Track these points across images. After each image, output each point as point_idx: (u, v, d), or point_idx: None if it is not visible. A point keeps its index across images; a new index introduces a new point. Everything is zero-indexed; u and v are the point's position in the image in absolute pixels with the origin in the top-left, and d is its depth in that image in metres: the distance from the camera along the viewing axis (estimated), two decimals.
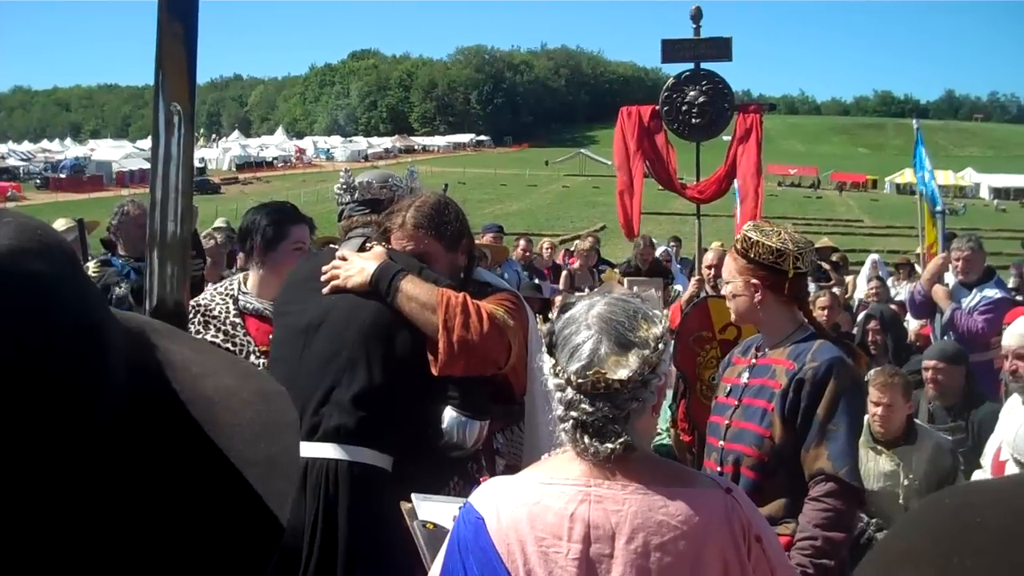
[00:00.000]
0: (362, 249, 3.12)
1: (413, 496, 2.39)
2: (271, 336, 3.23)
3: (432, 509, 2.35)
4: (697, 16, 7.57)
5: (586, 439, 1.83)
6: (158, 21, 2.04)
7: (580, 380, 1.82)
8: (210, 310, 3.58)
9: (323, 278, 2.98)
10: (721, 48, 7.65)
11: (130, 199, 6.17)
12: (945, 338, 6.53)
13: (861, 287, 11.79)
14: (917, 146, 9.01)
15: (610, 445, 1.81)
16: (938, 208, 7.35)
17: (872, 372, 4.89)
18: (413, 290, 2.82)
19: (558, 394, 1.87)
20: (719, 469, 3.08)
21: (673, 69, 7.86)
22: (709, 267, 6.85)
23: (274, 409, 0.86)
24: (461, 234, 3.16)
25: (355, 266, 2.94)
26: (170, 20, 2.05)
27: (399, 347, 2.84)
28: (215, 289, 3.76)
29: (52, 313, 0.69)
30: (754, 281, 3.09)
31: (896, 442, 4.62)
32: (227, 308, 3.59)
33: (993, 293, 6.83)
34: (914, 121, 9.86)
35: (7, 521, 0.67)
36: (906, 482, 4.53)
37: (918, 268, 12.34)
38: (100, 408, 0.73)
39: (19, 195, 56.71)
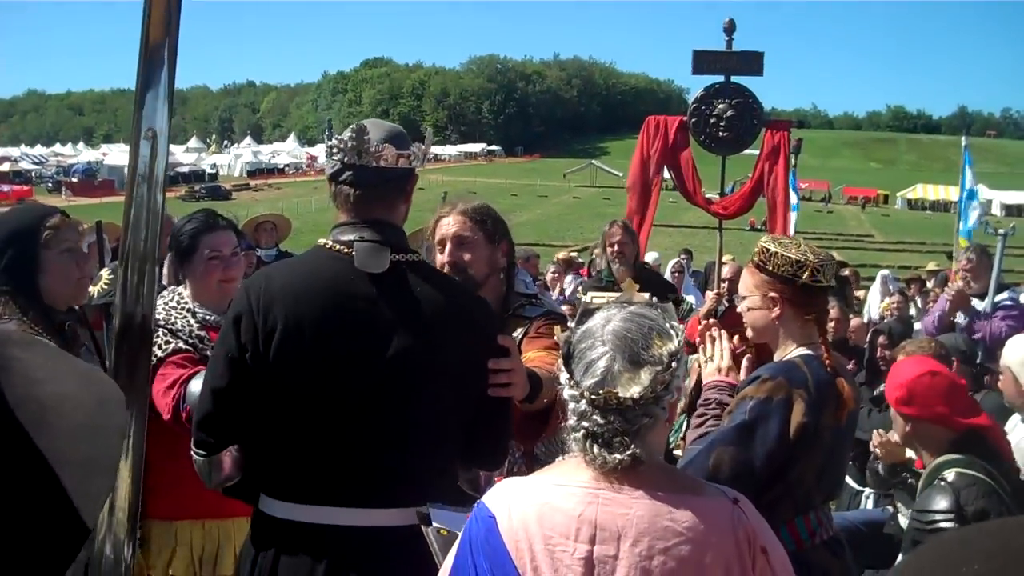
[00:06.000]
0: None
1: (428, 505, 2.40)
2: None
3: (446, 518, 2.36)
4: (730, 29, 7.48)
5: (595, 449, 1.86)
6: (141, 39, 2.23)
7: (593, 396, 1.85)
8: (172, 323, 3.38)
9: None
10: (752, 62, 7.55)
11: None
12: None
13: (873, 303, 11.69)
14: (964, 164, 8.82)
15: (618, 456, 1.84)
16: (1002, 231, 7.18)
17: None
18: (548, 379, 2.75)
19: (572, 405, 1.91)
20: None
21: (698, 81, 7.78)
22: (724, 280, 6.83)
23: (105, 414, 0.89)
24: (502, 232, 3.41)
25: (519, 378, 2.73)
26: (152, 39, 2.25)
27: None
28: (162, 303, 3.42)
29: None
30: (772, 294, 2.95)
31: None
32: (188, 322, 3.41)
33: (1007, 297, 6.73)
34: (963, 138, 9.59)
35: None
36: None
37: (929, 284, 12.30)
38: None
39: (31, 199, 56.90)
